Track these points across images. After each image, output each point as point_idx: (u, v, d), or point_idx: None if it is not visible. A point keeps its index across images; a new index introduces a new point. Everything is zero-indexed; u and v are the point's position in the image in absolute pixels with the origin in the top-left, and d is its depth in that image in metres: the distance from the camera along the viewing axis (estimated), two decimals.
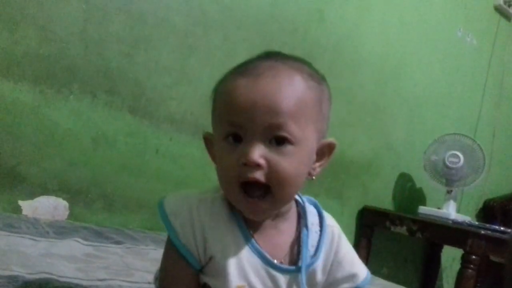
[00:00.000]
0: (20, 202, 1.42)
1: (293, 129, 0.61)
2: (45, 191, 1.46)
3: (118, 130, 1.59)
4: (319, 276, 0.71)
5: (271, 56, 0.67)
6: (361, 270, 0.74)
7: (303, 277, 0.67)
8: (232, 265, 0.65)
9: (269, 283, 0.66)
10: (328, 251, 0.72)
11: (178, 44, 1.69)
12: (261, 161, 0.60)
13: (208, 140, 0.71)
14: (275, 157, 0.60)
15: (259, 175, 0.60)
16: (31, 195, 1.44)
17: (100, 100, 1.55)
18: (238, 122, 0.61)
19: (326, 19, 2.06)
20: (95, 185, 1.55)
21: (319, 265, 0.70)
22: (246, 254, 0.66)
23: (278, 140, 0.61)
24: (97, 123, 1.55)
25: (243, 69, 0.64)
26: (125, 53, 1.58)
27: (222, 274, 0.64)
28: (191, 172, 1.71)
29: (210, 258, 0.65)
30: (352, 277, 0.73)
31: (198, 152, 1.72)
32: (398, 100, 2.37)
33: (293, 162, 0.61)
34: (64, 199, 1.49)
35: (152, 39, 1.63)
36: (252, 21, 1.84)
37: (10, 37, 1.38)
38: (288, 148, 0.61)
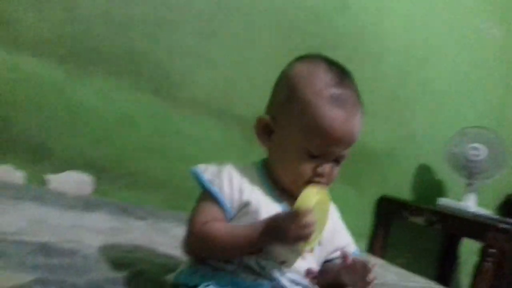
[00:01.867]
0: (48, 176, 1.46)
1: (348, 154, 0.78)
2: (71, 166, 1.51)
3: (142, 111, 1.62)
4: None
5: (348, 77, 0.78)
6: (350, 239, 0.88)
7: None
8: (264, 212, 0.72)
9: None
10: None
11: (202, 28, 1.70)
12: (330, 176, 0.77)
13: (262, 124, 0.78)
14: (335, 172, 0.78)
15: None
16: (58, 170, 1.48)
17: (124, 81, 1.58)
18: (327, 151, 0.74)
19: (350, 7, 2.04)
20: (119, 163, 1.58)
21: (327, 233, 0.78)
22: (277, 209, 0.74)
23: (338, 161, 0.77)
24: (121, 103, 1.58)
25: (337, 97, 0.73)
26: (149, 35, 1.60)
27: (255, 218, 0.72)
28: (212, 155, 1.72)
29: (246, 205, 0.73)
30: (347, 245, 0.84)
31: (218, 135, 1.75)
32: (420, 90, 2.35)
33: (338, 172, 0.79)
34: (89, 175, 1.53)
35: (176, 22, 1.64)
36: (275, 9, 1.84)
37: (37, 15, 1.41)
38: (339, 166, 0.79)
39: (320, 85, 0.73)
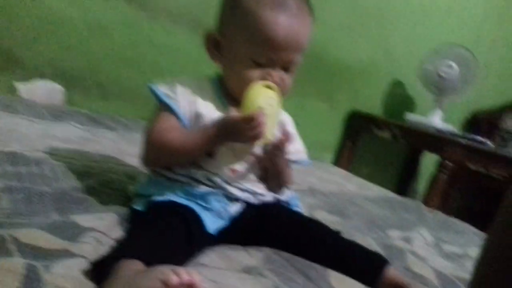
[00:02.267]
0: (16, 84, 1.46)
1: (297, 60, 0.78)
2: (40, 74, 1.50)
3: (114, 19, 1.59)
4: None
5: None
6: (303, 149, 0.89)
7: None
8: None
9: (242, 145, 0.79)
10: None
11: None
12: (281, 83, 0.77)
13: (211, 40, 0.79)
14: (286, 80, 0.78)
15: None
16: (27, 78, 1.48)
17: None
18: (272, 57, 0.74)
19: None
20: (90, 73, 1.58)
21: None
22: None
23: (287, 68, 0.77)
24: (92, 10, 1.54)
25: (279, 2, 0.73)
26: None
27: None
28: (186, 66, 1.72)
29: (198, 116, 0.77)
30: (297, 152, 0.87)
31: (193, 46, 1.73)
32: (400, 6, 2.31)
33: (291, 80, 0.80)
34: (60, 84, 1.53)
35: None
36: None
37: None
38: (290, 73, 0.79)
39: None
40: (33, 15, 1.45)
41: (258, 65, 0.75)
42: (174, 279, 0.47)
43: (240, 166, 0.78)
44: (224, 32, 0.78)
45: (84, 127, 1.28)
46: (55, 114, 1.32)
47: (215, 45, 0.80)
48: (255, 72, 0.75)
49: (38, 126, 1.17)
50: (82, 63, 1.56)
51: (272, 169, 0.81)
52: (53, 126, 1.20)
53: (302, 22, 0.75)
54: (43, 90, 1.50)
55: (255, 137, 0.72)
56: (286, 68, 0.77)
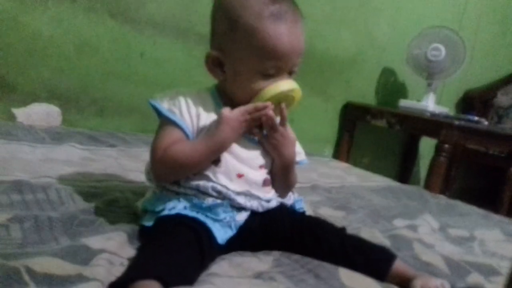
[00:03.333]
0: (14, 110, 1.47)
1: (300, 62, 0.81)
2: (36, 98, 1.51)
3: (101, 36, 1.60)
4: None
5: None
6: (302, 151, 0.92)
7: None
8: None
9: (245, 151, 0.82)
10: None
11: None
12: None
13: (211, 60, 0.81)
14: None
15: None
16: (24, 103, 1.49)
17: (79, 4, 1.53)
18: (281, 66, 0.77)
19: None
20: (84, 91, 1.59)
21: None
22: None
23: (291, 72, 0.81)
24: (79, 29, 1.55)
25: (277, 13, 0.75)
26: None
27: None
28: (177, 76, 1.74)
29: (202, 130, 0.79)
30: (297, 153, 0.89)
31: (182, 55, 1.75)
32: None
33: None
34: (56, 105, 1.54)
35: None
36: None
37: None
38: (294, 75, 0.82)
39: (257, 5, 0.75)
40: (22, 40, 1.46)
41: (266, 76, 0.78)
42: None
43: (245, 170, 0.80)
44: (225, 50, 0.79)
45: (84, 147, 1.29)
46: (54, 137, 1.33)
47: (216, 64, 0.81)
48: (264, 84, 0.78)
49: (39, 151, 1.18)
50: (75, 82, 1.57)
51: (275, 153, 0.84)
52: (54, 150, 1.21)
53: (300, 26, 0.78)
54: (40, 113, 1.51)
55: (253, 120, 0.77)
56: (290, 72, 0.81)
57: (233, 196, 0.77)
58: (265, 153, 0.84)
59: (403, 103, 2.29)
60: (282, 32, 0.75)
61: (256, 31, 0.75)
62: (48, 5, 1.48)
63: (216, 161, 0.78)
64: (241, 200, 0.78)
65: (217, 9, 0.81)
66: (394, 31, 2.42)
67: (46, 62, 1.51)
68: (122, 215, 0.86)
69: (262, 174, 0.83)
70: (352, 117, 2.31)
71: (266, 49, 0.75)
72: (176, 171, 0.77)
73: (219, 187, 0.77)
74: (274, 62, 0.76)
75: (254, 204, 0.79)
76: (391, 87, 2.51)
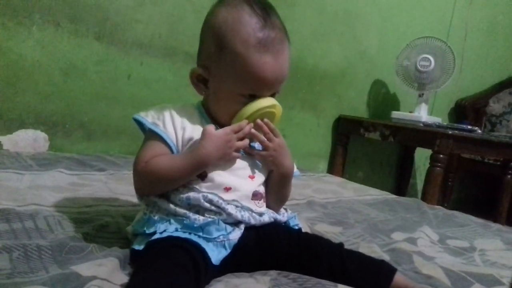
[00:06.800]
0: (0, 138, 1.44)
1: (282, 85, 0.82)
2: (22, 124, 1.48)
3: (87, 59, 1.58)
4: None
5: (272, 14, 0.78)
6: (292, 163, 0.89)
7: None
8: None
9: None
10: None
11: None
12: None
13: (196, 76, 0.81)
14: None
15: None
16: (9, 130, 1.46)
17: (64, 29, 1.52)
18: (261, 92, 0.78)
19: None
20: (71, 116, 1.57)
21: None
22: None
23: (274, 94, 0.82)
24: (64, 53, 1.53)
25: (265, 41, 0.75)
26: None
27: None
28: (165, 96, 1.72)
29: (189, 141, 0.78)
30: None
31: (170, 75, 1.73)
32: (369, 6, 2.35)
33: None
34: (42, 131, 1.52)
35: None
36: None
37: None
38: (276, 94, 0.83)
39: (246, 32, 0.75)
40: (6, 66, 1.44)
41: (249, 96, 0.78)
42: None
43: (233, 181, 0.79)
44: (210, 68, 0.80)
45: (72, 172, 1.27)
46: (41, 163, 1.30)
47: (200, 80, 0.82)
48: (245, 103, 0.79)
49: (27, 178, 1.15)
50: (61, 106, 1.55)
51: (275, 165, 0.83)
52: (41, 176, 1.18)
53: (286, 54, 0.79)
54: (26, 140, 1.48)
55: (235, 145, 0.77)
56: (273, 94, 0.81)
57: (224, 205, 0.75)
58: (256, 165, 0.83)
59: (396, 114, 2.28)
60: (267, 62, 0.76)
61: (241, 57, 0.75)
62: (32, 30, 1.46)
63: (203, 176, 0.77)
64: (232, 210, 0.75)
65: (207, 28, 0.81)
66: (383, 43, 2.43)
67: (32, 88, 1.49)
68: (113, 240, 0.83)
69: (252, 185, 0.81)
70: (345, 131, 2.30)
71: (249, 76, 0.76)
72: (155, 185, 0.77)
73: (210, 196, 0.75)
74: (255, 89, 0.78)
75: (245, 215, 0.77)
76: (382, 99, 2.51)
